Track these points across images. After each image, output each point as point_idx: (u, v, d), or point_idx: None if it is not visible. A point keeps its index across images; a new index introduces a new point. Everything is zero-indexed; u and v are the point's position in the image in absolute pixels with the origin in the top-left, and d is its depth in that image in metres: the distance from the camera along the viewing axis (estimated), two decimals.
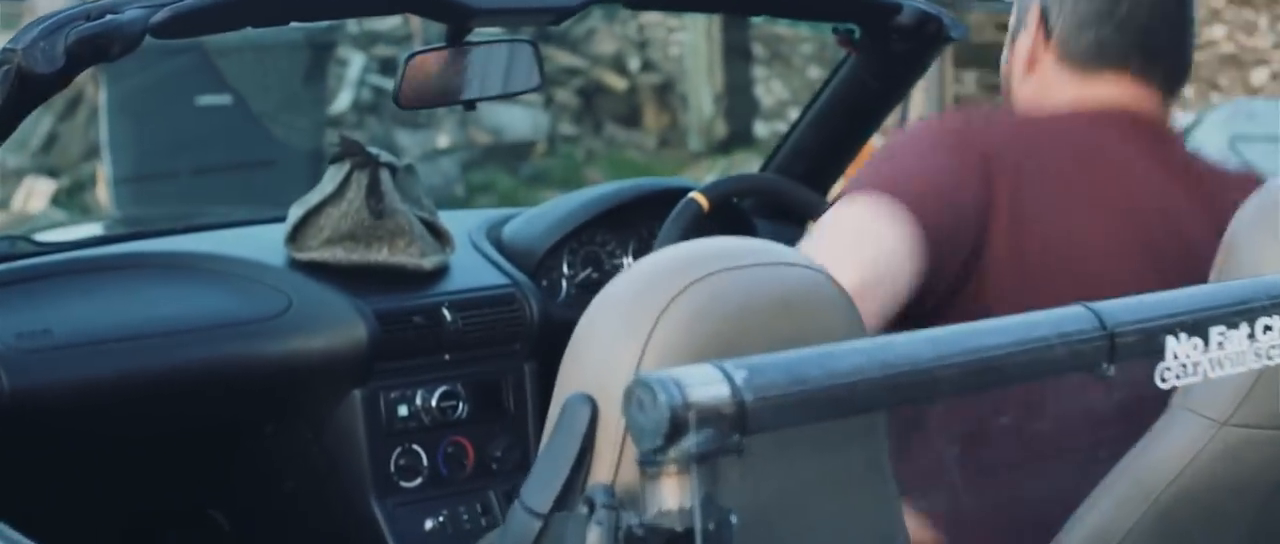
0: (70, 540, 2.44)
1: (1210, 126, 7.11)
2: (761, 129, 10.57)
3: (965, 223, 1.82)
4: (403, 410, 2.55)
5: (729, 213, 2.76)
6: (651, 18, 10.38)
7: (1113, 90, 1.98)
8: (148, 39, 2.05)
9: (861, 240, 1.77)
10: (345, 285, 2.52)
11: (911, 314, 1.77)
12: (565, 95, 10.35)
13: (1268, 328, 1.33)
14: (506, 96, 2.47)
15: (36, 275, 2.43)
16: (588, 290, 2.75)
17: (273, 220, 2.69)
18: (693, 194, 2.59)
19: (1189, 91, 9.16)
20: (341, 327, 2.48)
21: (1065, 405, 1.76)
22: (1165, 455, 1.65)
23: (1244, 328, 1.32)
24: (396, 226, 2.55)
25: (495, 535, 1.54)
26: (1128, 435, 1.69)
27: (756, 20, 9.37)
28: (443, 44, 2.37)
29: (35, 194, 8.77)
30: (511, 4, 2.34)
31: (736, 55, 10.45)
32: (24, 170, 8.96)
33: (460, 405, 2.59)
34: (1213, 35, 9.22)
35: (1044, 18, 2.00)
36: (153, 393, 2.38)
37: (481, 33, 2.39)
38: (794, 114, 10.79)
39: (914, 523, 1.67)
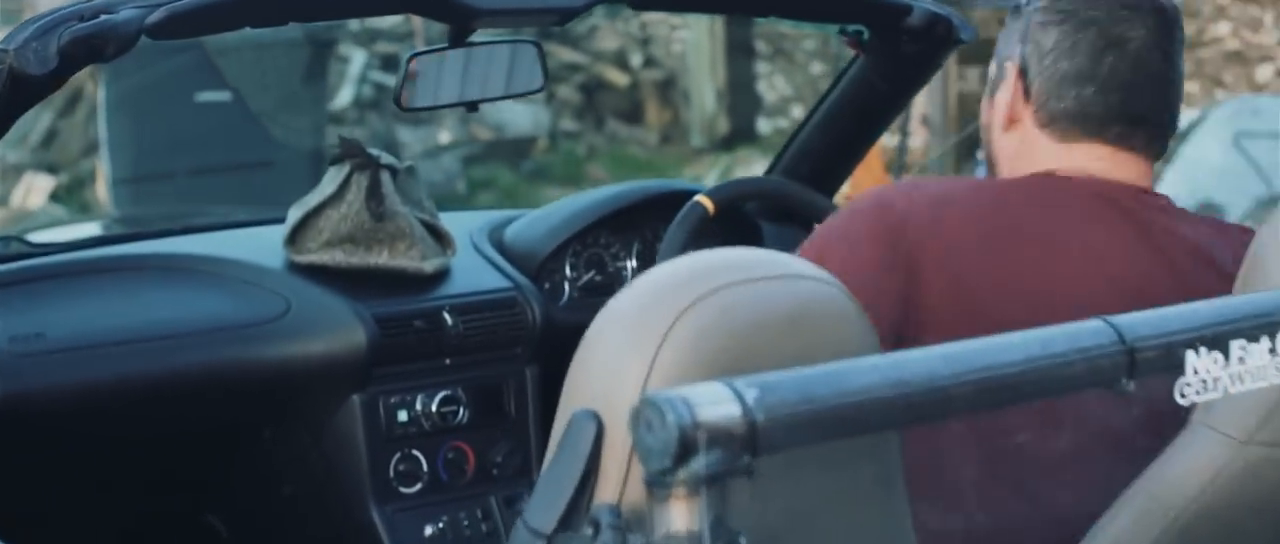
0: None
1: (1214, 123, 7.09)
2: (764, 125, 10.57)
3: (882, 318, 1.74)
4: (402, 415, 2.52)
5: (734, 216, 2.73)
6: (654, 14, 10.38)
7: (1088, 160, 1.89)
8: (144, 38, 2.03)
9: None
10: (345, 288, 2.49)
11: None
12: (567, 91, 10.35)
13: None
14: (509, 98, 2.44)
15: (30, 277, 2.40)
16: (590, 294, 2.72)
17: (271, 222, 2.66)
18: (698, 198, 2.55)
19: (1193, 88, 9.14)
20: (341, 330, 2.45)
21: (1083, 421, 1.74)
22: (1185, 473, 1.62)
23: (1265, 341, 1.29)
24: (397, 229, 2.52)
25: None
26: (1147, 452, 1.66)
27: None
28: (445, 44, 2.34)
29: (34, 190, 8.76)
30: (515, 4, 2.31)
31: (739, 51, 10.45)
32: (23, 166, 8.95)
33: (461, 410, 2.56)
34: (1218, 32, 9.21)
35: (1023, 73, 1.92)
36: (149, 397, 2.36)
37: (485, 32, 2.36)
38: (796, 110, 10.81)
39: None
